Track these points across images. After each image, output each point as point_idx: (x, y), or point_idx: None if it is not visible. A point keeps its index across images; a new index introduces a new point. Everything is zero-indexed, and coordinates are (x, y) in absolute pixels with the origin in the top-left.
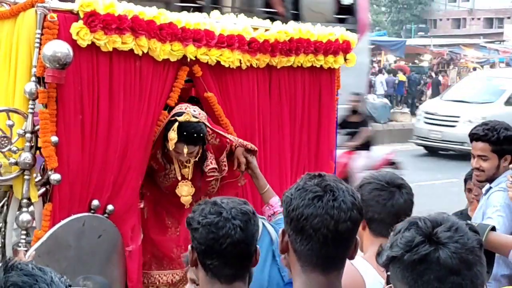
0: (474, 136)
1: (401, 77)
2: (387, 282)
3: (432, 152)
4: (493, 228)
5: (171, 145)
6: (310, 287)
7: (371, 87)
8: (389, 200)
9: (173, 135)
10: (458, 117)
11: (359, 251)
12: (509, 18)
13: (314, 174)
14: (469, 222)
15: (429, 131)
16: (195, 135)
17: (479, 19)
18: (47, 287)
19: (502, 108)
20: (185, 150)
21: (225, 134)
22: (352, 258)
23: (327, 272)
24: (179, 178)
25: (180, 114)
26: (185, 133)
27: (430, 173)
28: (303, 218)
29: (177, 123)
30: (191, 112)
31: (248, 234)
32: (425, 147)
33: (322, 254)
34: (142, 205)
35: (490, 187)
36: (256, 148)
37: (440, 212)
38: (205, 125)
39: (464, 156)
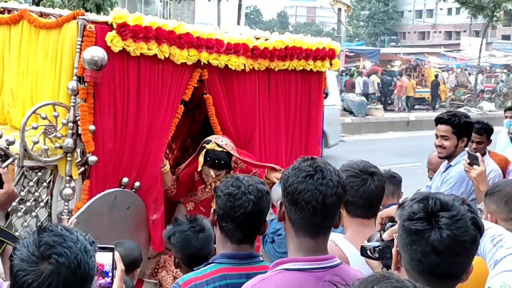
0: (439, 120)
1: (376, 79)
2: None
3: None
4: None
5: (199, 167)
6: (302, 248)
7: (353, 87)
8: (362, 186)
9: (200, 159)
10: None
11: None
12: (465, 31)
13: (308, 157)
14: (476, 217)
15: None
16: (216, 161)
17: (440, 32)
18: (74, 244)
19: None
20: (212, 173)
21: (250, 161)
22: (336, 227)
23: (316, 237)
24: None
25: (208, 142)
26: (208, 159)
27: (399, 158)
28: (297, 192)
29: (204, 150)
30: (217, 142)
31: (259, 208)
32: None
33: (312, 222)
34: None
35: (450, 165)
36: (279, 168)
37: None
38: (229, 153)
39: None
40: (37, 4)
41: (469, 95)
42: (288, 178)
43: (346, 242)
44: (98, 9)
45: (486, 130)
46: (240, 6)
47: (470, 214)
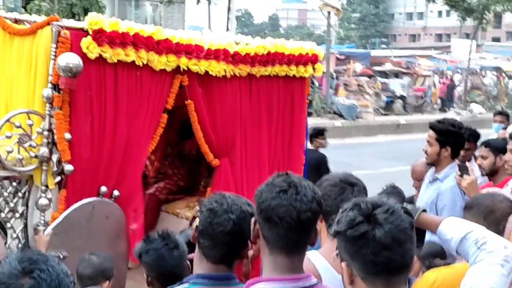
0: (429, 125)
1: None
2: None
3: None
4: (424, 210)
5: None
6: (276, 267)
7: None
8: (340, 195)
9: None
10: None
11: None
12: (455, 34)
13: (282, 173)
14: (404, 206)
15: None
16: None
17: (431, 34)
18: (56, 265)
19: None
20: None
21: None
22: (313, 244)
23: (291, 255)
24: None
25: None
26: None
27: (389, 161)
28: (270, 208)
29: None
30: None
31: (240, 228)
32: None
33: (286, 239)
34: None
35: (437, 178)
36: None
37: (382, 195)
38: None
39: None
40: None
41: (483, 97)
42: (262, 194)
43: (319, 256)
44: (86, 13)
45: (474, 137)
46: (229, 9)
47: (399, 205)
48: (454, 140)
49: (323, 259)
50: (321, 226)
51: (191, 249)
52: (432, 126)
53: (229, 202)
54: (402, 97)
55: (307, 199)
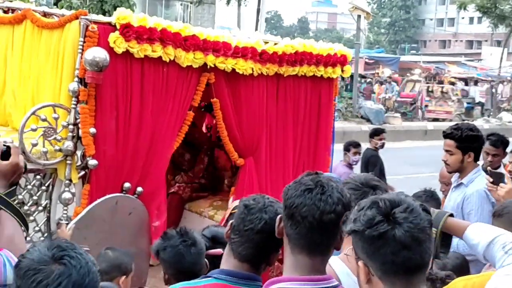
0: (444, 134)
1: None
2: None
3: None
4: (451, 215)
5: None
6: (297, 266)
7: (372, 93)
8: (361, 200)
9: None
10: None
11: None
12: (486, 41)
13: (312, 172)
14: (422, 203)
15: None
16: None
17: (461, 41)
18: (84, 253)
19: None
20: None
21: None
22: (338, 248)
23: (312, 256)
24: None
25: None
26: None
27: (416, 167)
28: (294, 206)
29: None
30: None
31: (270, 230)
32: None
33: (307, 239)
34: None
35: (462, 183)
36: None
37: (399, 192)
38: None
39: None
40: (56, 5)
41: None
42: (288, 191)
43: (338, 261)
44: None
45: (502, 143)
46: (258, 10)
47: (417, 202)
48: (476, 144)
49: (343, 265)
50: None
51: (215, 245)
52: (449, 135)
53: (266, 202)
54: (481, 103)
55: (332, 201)
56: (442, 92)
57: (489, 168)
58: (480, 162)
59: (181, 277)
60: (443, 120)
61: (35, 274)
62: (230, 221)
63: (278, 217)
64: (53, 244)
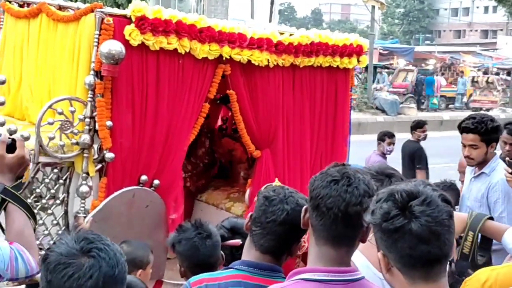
0: (465, 129)
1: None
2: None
3: None
4: (490, 218)
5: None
6: (321, 258)
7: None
8: (377, 188)
9: None
10: None
11: None
12: (501, 30)
13: (339, 163)
14: (443, 193)
15: None
16: None
17: (476, 30)
18: (111, 244)
19: None
20: None
21: None
22: (364, 241)
23: (337, 247)
24: None
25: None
26: None
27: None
28: (319, 197)
29: None
30: None
31: (292, 221)
32: None
33: (332, 230)
34: None
35: (483, 172)
36: None
37: (419, 181)
38: None
39: None
40: None
41: None
42: (314, 182)
43: (358, 253)
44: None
45: None
46: (272, 2)
47: (436, 193)
48: (498, 134)
49: (362, 257)
50: None
51: (234, 236)
52: (472, 129)
53: (286, 193)
54: None
55: (359, 192)
56: (487, 82)
57: (507, 158)
58: (498, 151)
59: (197, 269)
60: (488, 110)
61: (65, 268)
62: (250, 213)
63: (304, 207)
64: (80, 236)
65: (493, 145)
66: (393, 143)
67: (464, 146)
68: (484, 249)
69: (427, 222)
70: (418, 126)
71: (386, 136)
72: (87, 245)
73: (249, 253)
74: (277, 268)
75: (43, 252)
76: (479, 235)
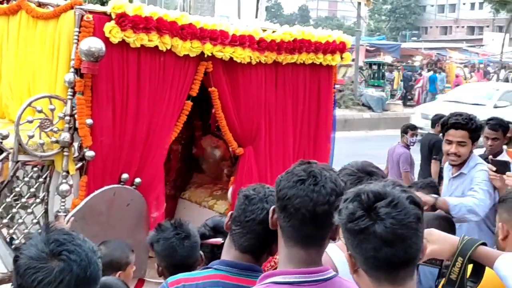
0: (455, 125)
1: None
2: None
3: None
4: (483, 243)
5: None
6: (291, 259)
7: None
8: (356, 185)
9: None
10: None
11: None
12: (488, 26)
13: (305, 161)
14: (412, 195)
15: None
16: None
17: (463, 27)
18: (83, 243)
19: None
20: None
21: None
22: (334, 239)
23: (306, 248)
24: None
25: None
26: None
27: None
28: (286, 198)
29: None
30: None
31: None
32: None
33: (301, 231)
34: None
35: (462, 173)
36: None
37: (388, 181)
38: None
39: None
40: None
41: None
42: (280, 182)
43: (336, 250)
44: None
45: (501, 126)
46: None
47: (405, 194)
48: (481, 132)
49: (340, 252)
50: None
51: (216, 235)
52: (463, 125)
53: (266, 192)
54: None
55: (326, 191)
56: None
57: (490, 157)
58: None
59: (174, 269)
60: None
61: (35, 272)
62: (230, 212)
63: (271, 208)
64: (50, 238)
65: (475, 144)
66: (416, 135)
67: (450, 143)
68: (477, 274)
69: (392, 225)
70: (441, 118)
71: (408, 129)
72: (58, 247)
73: (228, 253)
74: (257, 268)
75: None
76: (470, 260)
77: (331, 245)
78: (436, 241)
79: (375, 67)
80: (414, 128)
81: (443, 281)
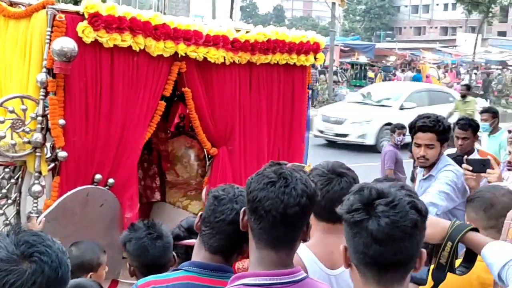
0: (422, 128)
1: (370, 74)
2: None
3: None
4: (474, 229)
5: None
6: (262, 261)
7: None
8: (326, 186)
9: None
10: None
11: None
12: (461, 27)
13: (275, 162)
14: (416, 201)
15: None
16: None
17: (436, 27)
18: (52, 244)
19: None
20: None
21: None
22: (305, 240)
23: (277, 250)
24: None
25: None
26: None
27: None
28: (257, 200)
29: None
30: None
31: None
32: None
33: (272, 233)
34: None
35: (431, 175)
36: None
37: (398, 183)
38: None
39: (348, 146)
40: None
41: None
42: (251, 184)
43: (305, 249)
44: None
45: (470, 125)
46: None
47: (408, 198)
48: (450, 134)
49: (309, 252)
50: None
51: (190, 236)
52: (431, 128)
53: (236, 192)
54: None
55: (296, 193)
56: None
57: (465, 156)
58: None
59: (145, 270)
60: None
61: (7, 275)
62: (200, 213)
63: (242, 210)
64: (20, 240)
65: (444, 145)
66: (404, 134)
67: (419, 146)
68: (469, 260)
69: (385, 224)
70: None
71: (396, 128)
72: (28, 249)
73: (198, 254)
74: (227, 268)
75: None
76: (459, 245)
77: (303, 247)
78: (427, 225)
79: (357, 67)
80: (401, 127)
81: (433, 265)
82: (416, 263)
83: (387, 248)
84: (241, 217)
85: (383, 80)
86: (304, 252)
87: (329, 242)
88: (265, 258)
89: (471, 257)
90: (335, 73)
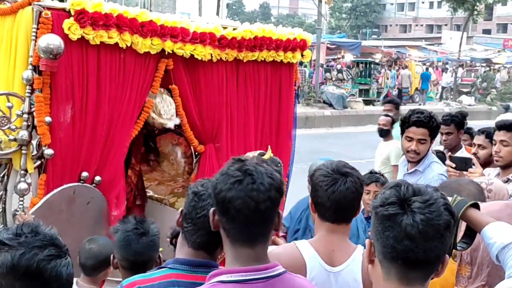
0: (416, 123)
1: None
2: None
3: None
4: (475, 204)
5: None
6: (238, 258)
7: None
8: (331, 186)
9: None
10: None
11: None
12: (446, 25)
13: (237, 158)
14: (449, 203)
15: None
16: None
17: (422, 25)
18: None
19: None
20: None
21: None
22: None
23: (253, 246)
24: None
25: None
26: None
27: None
28: (226, 201)
29: None
30: None
31: None
32: None
33: (246, 231)
34: None
35: (417, 170)
36: None
37: (434, 186)
38: None
39: None
40: None
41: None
42: (217, 185)
43: (308, 246)
44: None
45: (452, 120)
46: None
47: (443, 200)
48: (438, 130)
49: (311, 249)
50: (314, 216)
51: None
52: (425, 123)
53: None
54: None
55: (265, 188)
56: None
57: (449, 153)
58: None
59: (127, 264)
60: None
61: None
62: (181, 209)
63: (211, 210)
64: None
65: (433, 141)
66: None
67: (411, 140)
68: (469, 236)
69: (420, 220)
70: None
71: None
72: None
73: (182, 250)
74: (213, 263)
75: None
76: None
77: (302, 241)
78: None
79: (362, 65)
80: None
81: None
82: (439, 267)
83: (417, 244)
84: (211, 218)
85: (387, 78)
86: (305, 247)
87: (331, 241)
88: (242, 255)
89: (471, 233)
90: (327, 70)
